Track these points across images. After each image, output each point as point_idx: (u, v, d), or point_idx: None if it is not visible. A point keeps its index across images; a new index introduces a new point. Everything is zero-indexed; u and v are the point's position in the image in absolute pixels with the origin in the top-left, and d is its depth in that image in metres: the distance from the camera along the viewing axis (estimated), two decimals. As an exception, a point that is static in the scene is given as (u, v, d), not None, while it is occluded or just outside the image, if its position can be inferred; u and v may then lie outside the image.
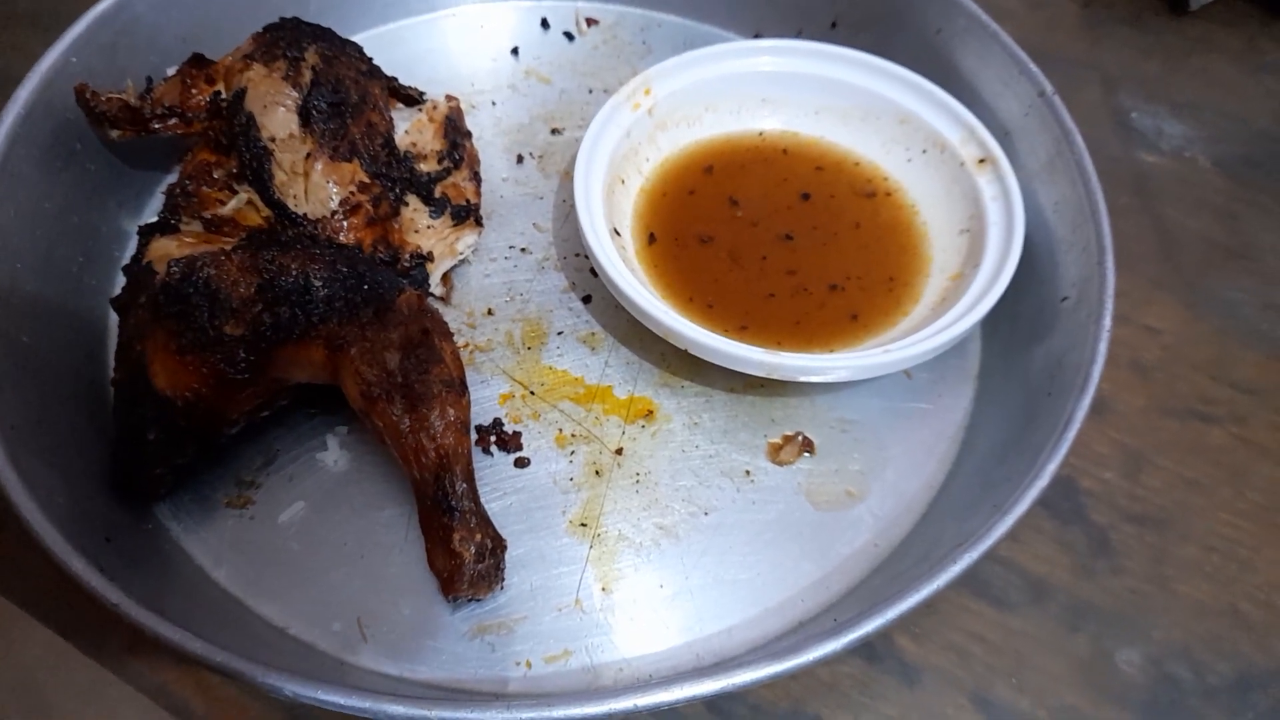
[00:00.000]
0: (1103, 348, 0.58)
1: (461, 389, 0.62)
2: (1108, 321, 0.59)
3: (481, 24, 0.89)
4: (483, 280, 0.74)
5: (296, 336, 0.60)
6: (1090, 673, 0.61)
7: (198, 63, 0.71)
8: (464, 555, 0.58)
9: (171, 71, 0.71)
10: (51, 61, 0.67)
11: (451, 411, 0.61)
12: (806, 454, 0.66)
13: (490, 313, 0.72)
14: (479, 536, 0.59)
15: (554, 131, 0.83)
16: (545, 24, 0.89)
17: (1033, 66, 0.72)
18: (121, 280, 0.71)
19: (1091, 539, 0.66)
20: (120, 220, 0.73)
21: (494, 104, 0.84)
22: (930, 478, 0.65)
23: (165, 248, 0.64)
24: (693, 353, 0.64)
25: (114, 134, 0.69)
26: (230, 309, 0.60)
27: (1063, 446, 0.55)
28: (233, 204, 0.68)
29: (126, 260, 0.72)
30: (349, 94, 0.69)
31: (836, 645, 0.50)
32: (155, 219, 0.69)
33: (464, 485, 0.60)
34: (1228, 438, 0.70)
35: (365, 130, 0.69)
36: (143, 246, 0.66)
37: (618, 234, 0.70)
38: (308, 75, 0.69)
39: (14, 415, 0.55)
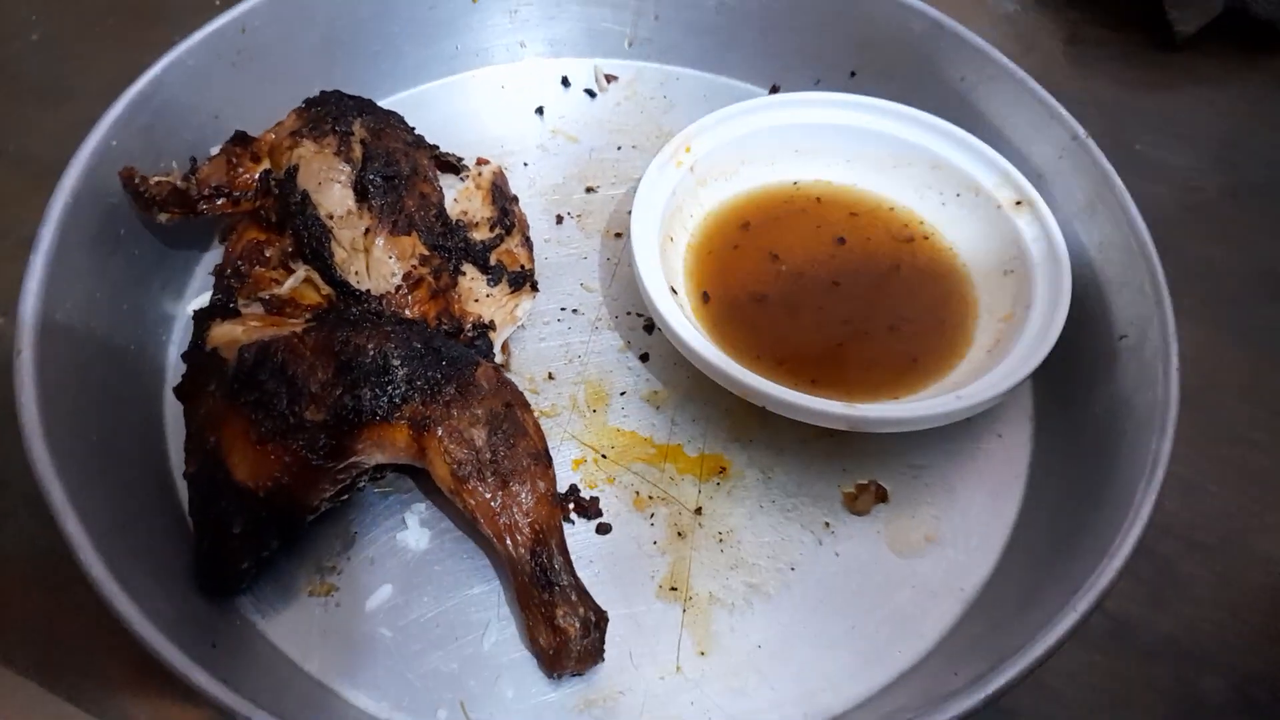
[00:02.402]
0: (1175, 387, 0.60)
1: (548, 460, 0.62)
2: (1175, 360, 0.61)
3: (502, 84, 0.89)
4: (539, 345, 0.74)
5: (380, 419, 0.59)
6: (1179, 703, 0.63)
7: (241, 140, 0.69)
8: (569, 631, 0.57)
9: (215, 151, 0.70)
10: (93, 147, 0.65)
11: (541, 484, 0.61)
12: (881, 502, 0.67)
13: (551, 377, 0.72)
14: (582, 611, 0.58)
15: (589, 190, 0.83)
16: (566, 82, 0.90)
17: (1063, 111, 0.74)
18: (174, 365, 0.69)
19: (1160, 570, 0.68)
20: (164, 304, 0.71)
21: (525, 165, 0.84)
22: (1003, 517, 0.67)
23: (230, 333, 0.63)
24: (770, 409, 0.65)
25: (162, 217, 0.67)
26: (310, 394, 0.59)
27: (1154, 485, 0.56)
28: (290, 283, 0.67)
29: (176, 344, 0.70)
30: (400, 166, 0.69)
31: (949, 714, 0.50)
32: (205, 302, 0.68)
33: (561, 559, 0.59)
34: (1274, 462, 0.73)
35: (419, 202, 0.69)
36: (202, 332, 0.64)
37: (675, 292, 0.71)
38: (358, 149, 0.68)
39: (100, 520, 0.53)
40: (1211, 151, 0.93)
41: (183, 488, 0.63)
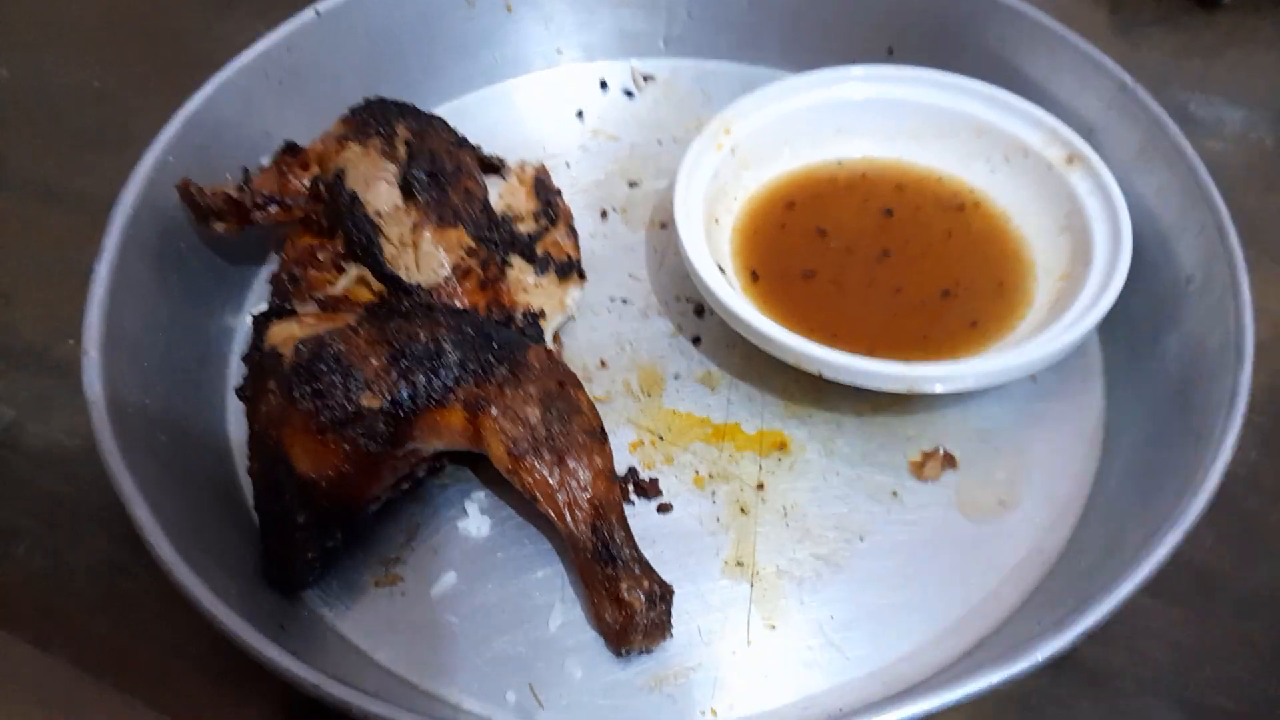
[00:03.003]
0: (1249, 319, 0.58)
1: (604, 437, 0.61)
2: (1247, 294, 0.59)
3: (542, 91, 0.91)
4: (590, 335, 0.74)
5: (435, 403, 0.60)
6: (1271, 658, 0.59)
7: (291, 150, 0.71)
8: (634, 605, 0.56)
9: (266, 161, 0.71)
10: (150, 164, 0.67)
11: (599, 460, 0.60)
12: (950, 468, 0.65)
13: (603, 364, 0.72)
14: (646, 584, 0.57)
15: (631, 185, 0.83)
16: (604, 85, 0.91)
17: (1108, 60, 0.73)
18: (235, 374, 0.70)
19: (1247, 525, 0.65)
20: (224, 316, 0.73)
21: (568, 165, 0.85)
22: (1079, 477, 0.64)
23: (287, 330, 0.64)
24: (827, 376, 0.63)
25: (219, 227, 0.69)
26: (366, 381, 0.59)
27: (1234, 423, 0.54)
28: (343, 282, 0.68)
29: (238, 354, 0.71)
30: (444, 163, 0.70)
31: (1032, 661, 0.48)
32: (263, 309, 0.70)
33: (622, 533, 0.59)
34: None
35: (464, 197, 0.70)
36: (261, 333, 0.65)
37: (723, 271, 0.70)
38: (403, 149, 0.70)
39: (174, 518, 0.54)
40: (1266, 108, 0.90)
41: (249, 487, 0.64)
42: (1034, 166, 0.75)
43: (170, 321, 0.67)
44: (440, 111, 0.87)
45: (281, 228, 0.72)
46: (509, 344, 0.62)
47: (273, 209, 0.70)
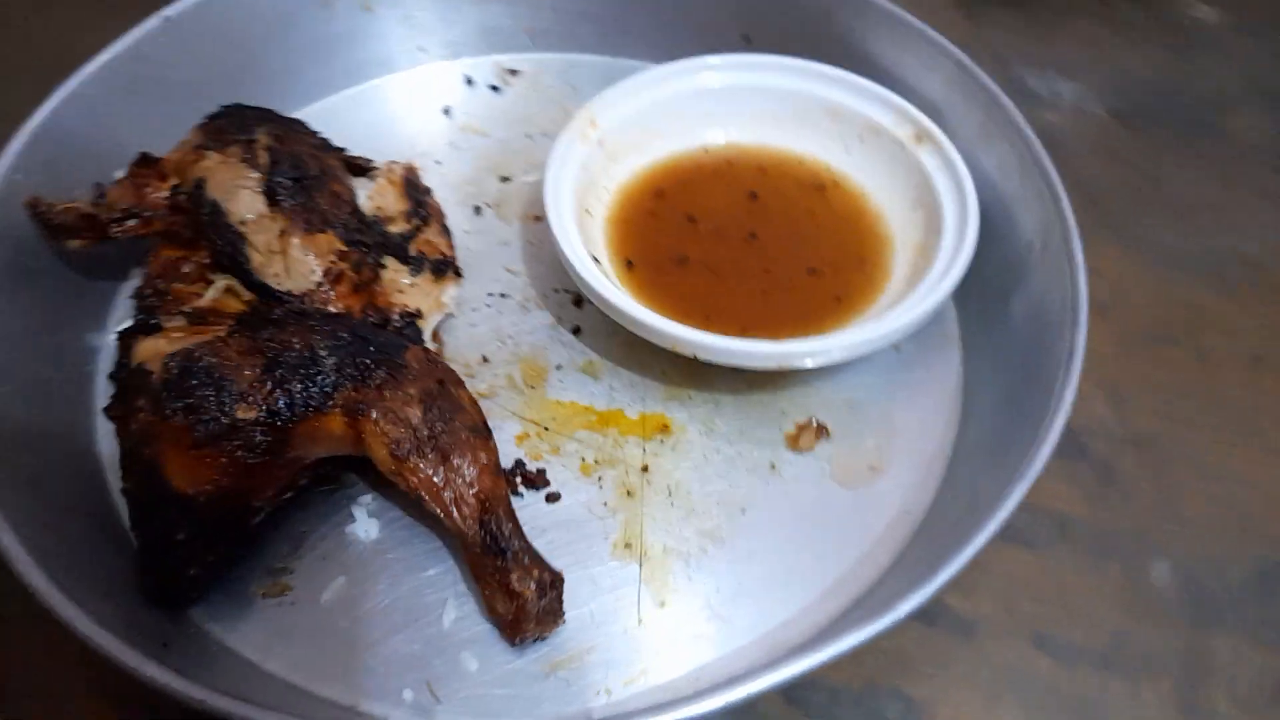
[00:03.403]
0: (1083, 279, 0.62)
1: (487, 432, 0.62)
2: (1080, 258, 0.63)
3: (407, 90, 0.90)
4: (470, 331, 0.74)
5: (313, 410, 0.59)
6: (1129, 594, 0.64)
7: (146, 161, 0.69)
8: (525, 594, 0.57)
9: (120, 174, 0.69)
10: (-4, 182, 0.65)
11: (483, 455, 0.61)
12: (823, 439, 0.68)
13: (485, 360, 0.72)
14: (536, 573, 0.58)
15: (503, 180, 0.84)
16: (470, 81, 0.91)
17: (947, 42, 0.77)
18: (103, 393, 0.68)
19: (1097, 471, 0.70)
20: (85, 336, 0.70)
21: (438, 163, 0.84)
22: (941, 439, 0.68)
23: (154, 346, 0.62)
24: (702, 358, 0.66)
25: (73, 244, 0.67)
26: (240, 393, 0.59)
27: (1073, 376, 0.58)
28: (210, 293, 0.66)
29: (103, 373, 0.69)
30: (309, 167, 0.69)
31: (897, 615, 0.51)
32: (128, 325, 0.68)
33: (509, 525, 0.59)
34: (1190, 359, 0.75)
35: (332, 200, 0.69)
36: (126, 350, 0.64)
37: (597, 261, 0.72)
38: (264, 155, 0.68)
39: (41, 540, 0.52)
40: (1097, 79, 0.97)
41: (124, 507, 0.62)
42: (886, 145, 0.78)
43: (27, 341, 0.64)
44: (302, 115, 0.85)
45: (142, 241, 0.70)
46: (386, 346, 0.62)
47: (130, 223, 0.68)
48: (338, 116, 0.87)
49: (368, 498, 0.65)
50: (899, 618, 0.50)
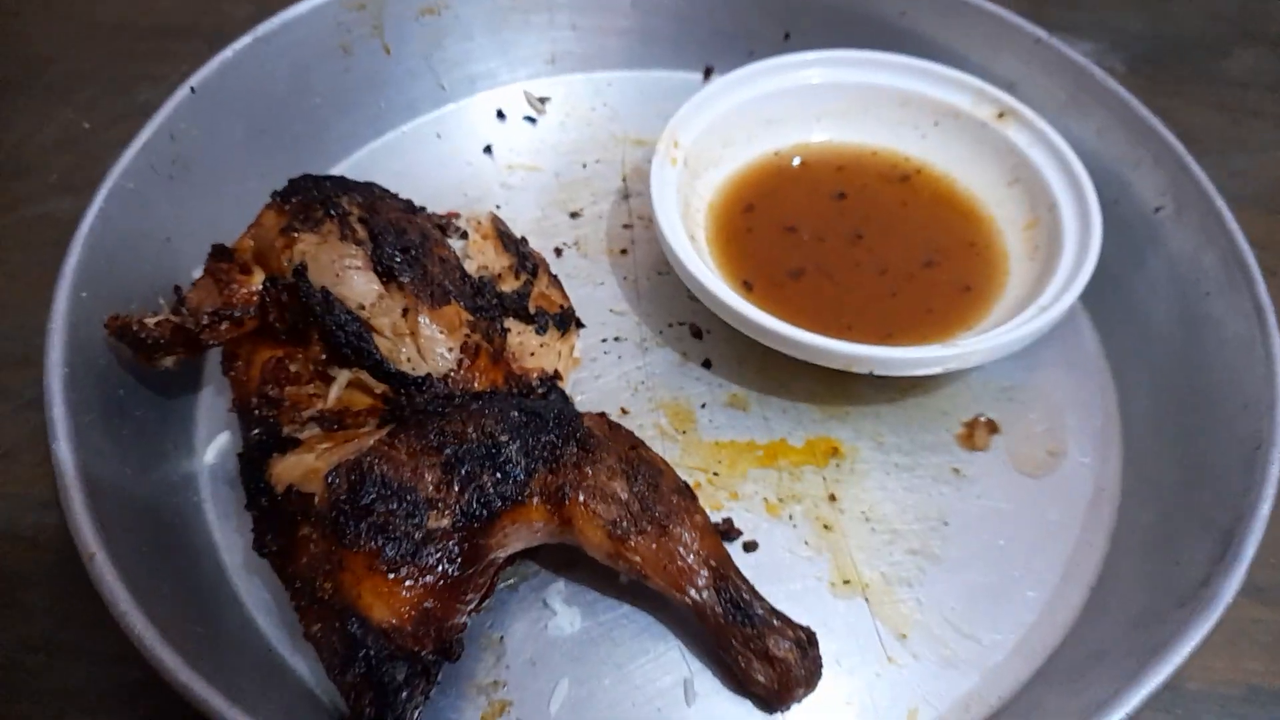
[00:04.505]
0: (1240, 237, 0.62)
1: (691, 492, 0.57)
2: (1227, 213, 0.64)
3: (438, 132, 0.83)
4: (596, 383, 0.69)
5: (510, 504, 0.53)
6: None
7: (223, 254, 0.61)
8: (789, 659, 0.53)
9: (197, 274, 0.61)
10: (65, 304, 0.55)
11: (698, 517, 0.56)
12: (994, 433, 0.67)
13: (625, 411, 0.67)
14: (791, 633, 0.54)
15: (573, 215, 0.78)
16: (501, 115, 0.85)
17: (1017, 18, 0.76)
18: (217, 523, 0.60)
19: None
20: (180, 463, 0.61)
21: (498, 207, 0.78)
22: (1106, 410, 0.68)
23: (300, 464, 0.55)
24: (878, 373, 0.63)
25: (167, 361, 0.58)
26: (427, 500, 0.52)
27: (1273, 334, 0.58)
28: (334, 391, 0.59)
29: (211, 501, 0.61)
30: (411, 235, 0.62)
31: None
32: (223, 446, 0.60)
33: (747, 588, 0.55)
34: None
35: (442, 267, 0.62)
36: (259, 475, 0.56)
37: (721, 287, 0.68)
38: (361, 229, 0.61)
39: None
40: (1108, 37, 0.99)
41: (287, 647, 0.54)
42: (967, 127, 0.77)
43: (136, 480, 0.56)
44: (336, 173, 0.78)
45: (232, 344, 0.61)
46: (563, 418, 0.56)
47: (223, 327, 0.59)
48: (373, 170, 0.80)
49: (559, 585, 0.59)
50: (1222, 608, 0.49)
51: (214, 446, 0.63)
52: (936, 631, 0.58)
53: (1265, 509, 0.53)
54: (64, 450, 0.50)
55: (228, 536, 0.59)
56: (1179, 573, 0.54)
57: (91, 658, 0.56)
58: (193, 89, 0.67)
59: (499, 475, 0.53)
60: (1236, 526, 0.52)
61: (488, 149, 0.82)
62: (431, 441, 0.54)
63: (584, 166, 0.82)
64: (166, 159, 0.65)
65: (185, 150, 0.67)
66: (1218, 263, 0.63)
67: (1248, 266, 0.61)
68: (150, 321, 0.56)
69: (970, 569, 0.60)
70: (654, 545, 0.54)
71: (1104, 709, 0.46)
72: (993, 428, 0.67)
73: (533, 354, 0.64)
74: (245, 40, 0.72)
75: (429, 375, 0.59)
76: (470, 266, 0.67)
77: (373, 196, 0.65)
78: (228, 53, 0.71)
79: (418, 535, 0.52)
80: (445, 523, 0.52)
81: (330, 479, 0.53)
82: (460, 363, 0.60)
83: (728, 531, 0.61)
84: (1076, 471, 0.65)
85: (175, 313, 0.59)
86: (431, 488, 0.53)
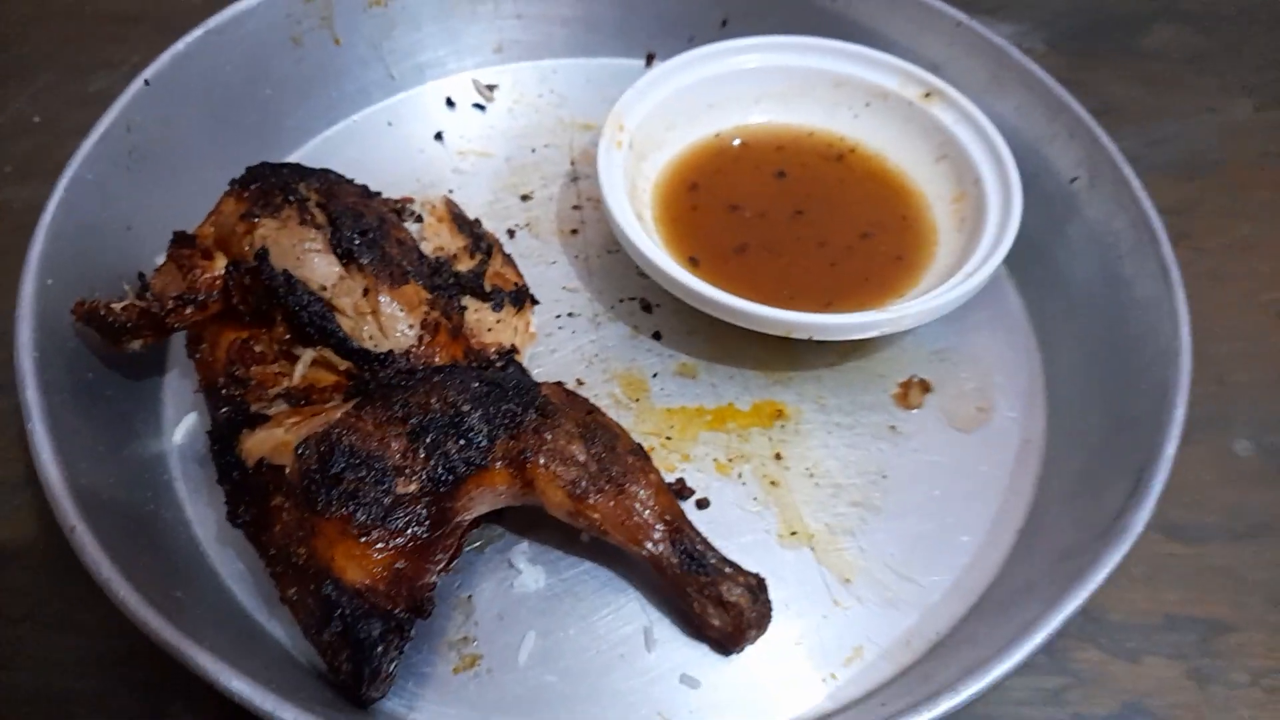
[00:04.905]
0: (1148, 202, 0.67)
1: (644, 452, 0.61)
2: (1135, 181, 0.68)
3: (389, 120, 0.85)
4: (552, 356, 0.72)
5: (475, 468, 0.56)
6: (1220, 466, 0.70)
7: (185, 240, 0.63)
8: (740, 604, 0.57)
9: (160, 260, 0.62)
10: (32, 290, 0.57)
11: (652, 475, 0.60)
12: (927, 392, 0.71)
13: (581, 383, 0.70)
14: (742, 579, 0.58)
15: (524, 198, 0.81)
16: (451, 103, 0.87)
17: (941, 4, 0.80)
18: (189, 499, 0.62)
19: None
20: (148, 442, 0.63)
21: (451, 191, 0.81)
22: (1029, 363, 0.72)
23: (270, 439, 0.57)
24: (818, 338, 0.66)
25: (134, 345, 0.59)
26: (395, 467, 0.55)
27: (1178, 302, 0.63)
28: (300, 369, 0.61)
29: (182, 480, 0.63)
30: (369, 218, 0.64)
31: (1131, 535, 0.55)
32: (191, 427, 0.62)
33: (700, 540, 0.59)
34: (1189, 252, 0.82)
35: (400, 249, 0.65)
36: (230, 450, 0.58)
37: (667, 263, 0.71)
38: (319, 213, 0.63)
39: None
40: (1026, 16, 1.03)
41: (263, 614, 0.57)
42: (896, 107, 0.81)
43: (109, 460, 0.58)
44: (292, 160, 0.80)
45: (196, 327, 0.63)
46: (522, 387, 0.60)
47: (188, 311, 0.61)
48: (327, 158, 0.81)
49: (524, 545, 0.62)
50: (1133, 538, 0.53)
51: (182, 427, 0.65)
52: (878, 576, 0.62)
53: (1172, 448, 0.58)
54: (39, 430, 0.52)
55: (200, 511, 0.61)
56: (1100, 510, 0.59)
57: (76, 629, 0.58)
58: (147, 81, 0.69)
59: (463, 442, 0.56)
60: (1148, 465, 0.57)
61: (439, 136, 0.84)
62: (397, 412, 0.57)
63: (533, 151, 0.85)
64: (124, 150, 0.67)
65: (142, 141, 0.69)
66: (1129, 228, 0.68)
67: (1154, 230, 0.66)
68: (117, 306, 0.58)
69: (908, 518, 0.65)
70: (612, 503, 0.57)
71: (1028, 630, 0.51)
72: (926, 387, 0.71)
73: (490, 330, 0.67)
74: (197, 33, 0.73)
75: (391, 351, 0.61)
76: (427, 248, 0.70)
77: (329, 182, 0.67)
78: (180, 45, 0.72)
79: (387, 500, 0.55)
80: (413, 488, 0.55)
81: (300, 450, 0.55)
82: (421, 339, 0.62)
83: (681, 490, 0.65)
84: (1005, 425, 0.69)
85: (140, 298, 0.60)
86: (398, 456, 0.55)
